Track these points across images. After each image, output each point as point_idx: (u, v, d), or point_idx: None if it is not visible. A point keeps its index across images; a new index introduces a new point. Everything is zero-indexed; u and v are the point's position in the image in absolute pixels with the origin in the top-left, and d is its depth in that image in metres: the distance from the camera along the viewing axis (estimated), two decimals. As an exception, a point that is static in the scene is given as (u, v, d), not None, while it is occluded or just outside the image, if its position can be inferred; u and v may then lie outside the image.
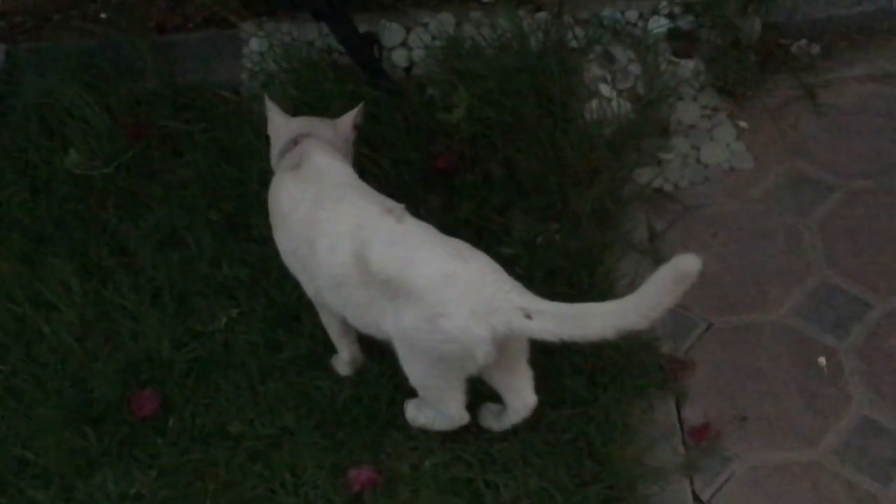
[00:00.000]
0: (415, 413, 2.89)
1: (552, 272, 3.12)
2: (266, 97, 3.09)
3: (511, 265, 3.14)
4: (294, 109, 3.28)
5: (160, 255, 3.30)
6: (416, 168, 3.38)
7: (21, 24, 4.07)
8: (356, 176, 2.92)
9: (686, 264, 2.49)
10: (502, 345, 2.63)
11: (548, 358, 2.99)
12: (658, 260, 3.23)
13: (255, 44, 3.78)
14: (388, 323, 2.69)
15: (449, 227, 3.19)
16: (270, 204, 2.94)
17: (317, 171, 2.87)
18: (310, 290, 2.89)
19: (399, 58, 3.72)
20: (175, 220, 3.38)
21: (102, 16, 4.03)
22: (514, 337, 2.63)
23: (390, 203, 2.79)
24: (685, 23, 3.71)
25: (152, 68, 3.74)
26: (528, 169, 3.30)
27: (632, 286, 3.11)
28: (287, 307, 3.14)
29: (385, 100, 3.49)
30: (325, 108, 3.40)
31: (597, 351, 2.98)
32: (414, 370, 2.74)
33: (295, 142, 2.97)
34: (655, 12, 3.73)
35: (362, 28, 3.64)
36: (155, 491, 2.89)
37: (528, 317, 2.57)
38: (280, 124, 3.05)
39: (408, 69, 3.70)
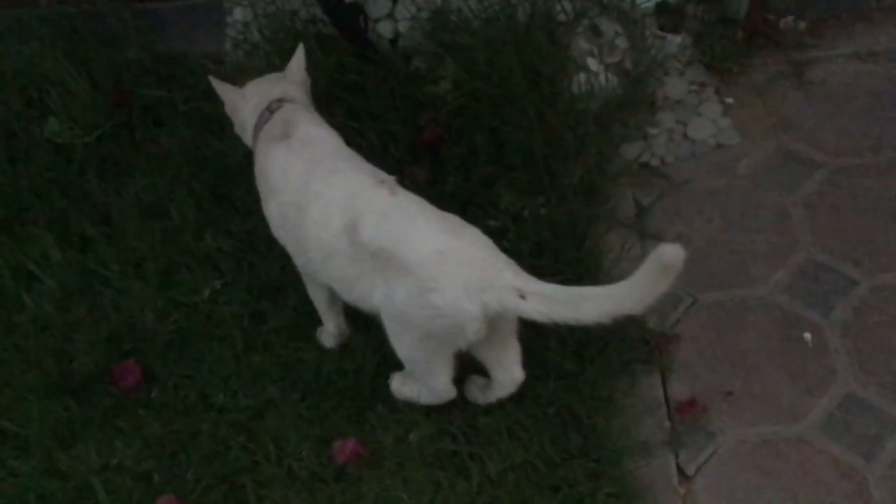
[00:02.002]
0: (400, 386, 2.88)
1: (538, 245, 3.11)
2: (210, 77, 3.01)
3: (498, 238, 3.10)
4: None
5: (143, 225, 3.27)
6: (402, 140, 3.36)
7: (0, -9, 4.00)
8: (345, 144, 2.90)
9: (669, 256, 2.46)
10: (493, 322, 2.62)
11: (533, 331, 2.97)
12: (644, 235, 3.25)
13: (238, 13, 3.74)
14: (378, 296, 2.67)
15: (435, 199, 3.16)
16: (259, 177, 2.91)
17: (307, 141, 2.84)
18: (299, 261, 2.87)
19: (385, 29, 3.68)
20: (158, 190, 3.34)
21: (82, -17, 3.98)
22: (506, 315, 2.62)
23: (382, 174, 2.77)
24: (672, -2, 3.71)
25: (134, 36, 3.69)
26: (514, 142, 3.28)
27: (618, 261, 3.13)
28: (271, 278, 3.12)
29: (371, 71, 3.45)
30: (310, 77, 3.36)
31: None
32: (402, 344, 2.73)
33: (270, 109, 2.92)
34: (643, -14, 3.72)
35: (348, -1, 3.61)
36: (138, 462, 2.87)
37: (522, 297, 2.55)
38: (237, 97, 2.98)
39: (393, 41, 3.67)
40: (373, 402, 2.93)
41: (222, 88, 2.99)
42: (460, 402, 2.90)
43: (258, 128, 2.93)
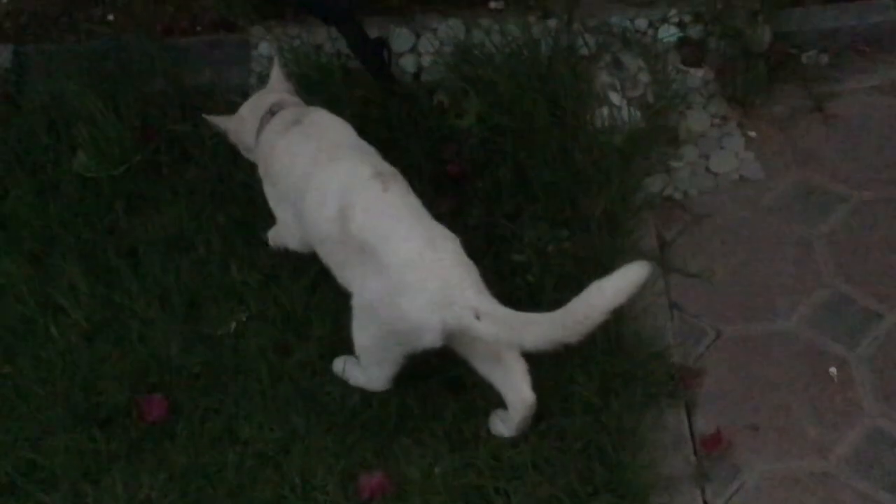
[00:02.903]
0: (342, 367, 2.98)
1: (562, 279, 3.11)
2: (204, 116, 3.22)
3: (522, 272, 3.17)
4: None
5: (169, 257, 3.29)
6: (427, 173, 3.38)
7: (27, 25, 4.05)
8: (355, 133, 3.02)
9: (634, 273, 2.59)
10: (455, 336, 2.72)
11: (559, 365, 2.99)
12: (667, 268, 3.25)
13: (264, 48, 3.78)
14: (356, 284, 2.81)
15: (459, 232, 3.20)
16: (263, 158, 3.06)
17: (318, 127, 3.01)
18: (295, 239, 3.05)
19: (408, 63, 3.72)
20: (183, 223, 3.37)
21: (109, 17, 4.02)
22: (463, 332, 2.70)
23: (383, 166, 2.89)
24: (695, 32, 3.72)
25: (160, 71, 3.73)
26: (538, 175, 3.30)
27: (641, 294, 3.12)
28: (296, 311, 3.14)
29: (395, 105, 3.48)
30: (333, 110, 3.39)
31: (608, 358, 2.98)
32: (363, 334, 2.84)
33: (271, 112, 3.07)
34: (665, 21, 3.74)
35: (372, 33, 3.64)
36: (164, 495, 2.88)
37: (477, 317, 2.64)
38: (237, 121, 3.16)
39: (416, 75, 3.70)
40: (397, 435, 2.93)
41: (219, 121, 3.19)
42: (485, 436, 2.91)
43: (260, 130, 3.07)
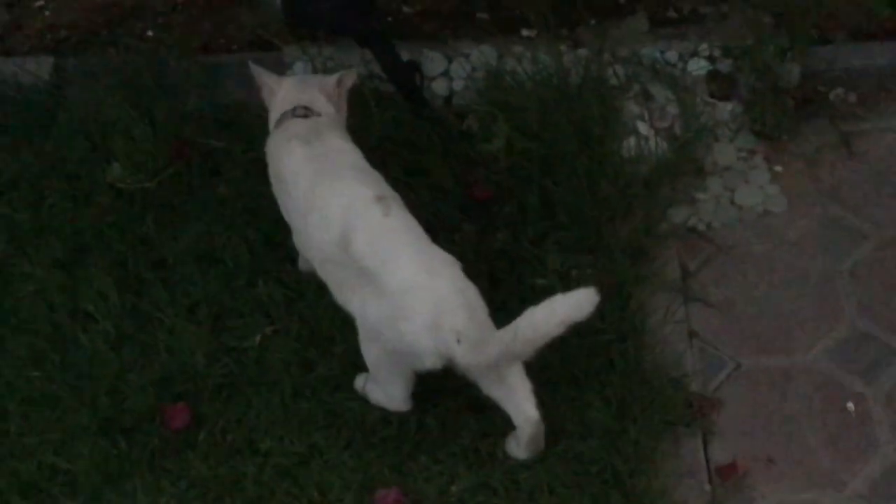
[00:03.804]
0: (363, 384, 3.03)
1: (584, 305, 3.15)
2: (251, 63, 3.26)
3: (544, 297, 3.19)
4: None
5: (197, 270, 3.34)
6: (453, 196, 3.43)
7: (67, 39, 4.13)
8: (363, 158, 3.07)
9: (586, 299, 2.66)
10: (490, 366, 2.77)
11: (577, 388, 3.03)
12: (689, 298, 3.28)
13: (298, 67, 3.83)
14: (356, 305, 2.87)
15: (483, 256, 3.26)
16: (271, 163, 3.12)
17: (325, 150, 3.04)
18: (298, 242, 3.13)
19: (440, 87, 3.77)
20: (213, 236, 3.42)
21: (149, 33, 4.10)
22: (508, 357, 2.75)
23: (384, 190, 2.94)
24: (724, 66, 3.76)
25: (196, 87, 3.79)
26: (563, 202, 3.34)
27: (662, 323, 3.17)
28: (321, 327, 3.18)
29: (424, 128, 3.53)
30: (364, 132, 3.45)
31: (626, 384, 3.01)
32: (369, 353, 2.91)
33: (295, 113, 3.12)
34: (695, 54, 3.78)
35: (405, 56, 3.70)
36: (183, 503, 2.92)
37: (458, 340, 2.70)
38: (273, 84, 3.23)
39: (447, 99, 3.75)
40: (416, 453, 2.97)
41: (261, 73, 3.24)
42: (501, 457, 2.94)
43: (279, 122, 3.14)
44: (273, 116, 3.20)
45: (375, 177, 3.04)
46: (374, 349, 2.89)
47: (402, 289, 2.76)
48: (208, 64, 3.89)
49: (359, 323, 2.89)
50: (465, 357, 2.71)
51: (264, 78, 3.24)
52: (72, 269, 3.38)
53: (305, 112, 3.14)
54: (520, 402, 2.83)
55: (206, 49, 4.01)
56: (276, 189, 3.15)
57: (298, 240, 3.11)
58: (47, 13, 4.23)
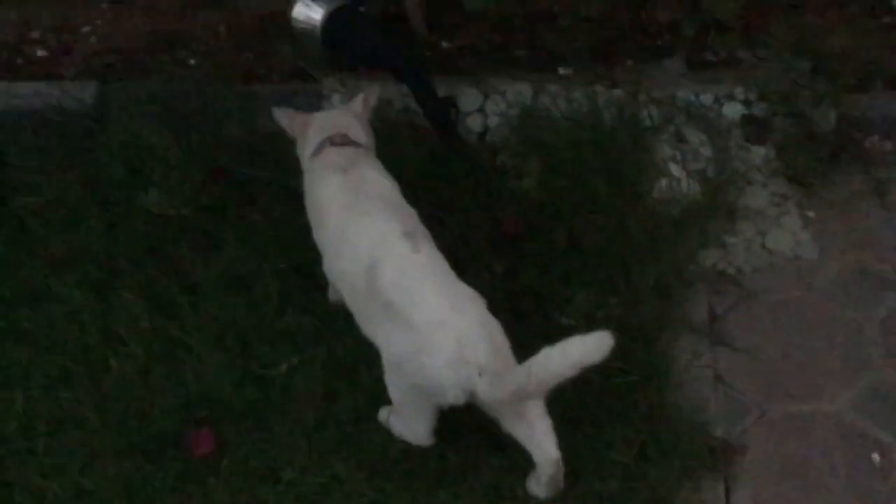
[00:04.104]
0: (386, 416, 3.05)
1: (609, 346, 3.15)
2: (274, 110, 3.32)
3: (569, 336, 3.19)
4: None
5: (227, 297, 3.38)
6: (483, 232, 3.45)
7: (114, 64, 4.21)
8: (398, 191, 3.12)
9: (600, 343, 2.67)
10: (505, 403, 2.78)
11: (599, 428, 3.02)
12: (716, 342, 3.27)
13: (336, 100, 3.88)
14: (380, 338, 2.90)
15: (511, 292, 3.27)
16: (308, 191, 3.17)
17: (360, 181, 3.09)
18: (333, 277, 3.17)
19: (475, 123, 3.80)
20: (244, 264, 3.46)
21: (191, 62, 4.16)
22: (520, 396, 2.76)
23: (415, 226, 2.98)
24: (759, 110, 3.76)
25: (235, 116, 3.85)
26: (592, 241, 3.35)
27: (688, 367, 3.16)
28: (346, 358, 3.20)
29: (457, 163, 3.56)
30: (398, 165, 3.48)
31: (648, 426, 3.01)
32: (393, 386, 2.93)
33: (332, 141, 3.17)
34: (731, 97, 3.78)
35: (442, 92, 3.73)
36: (204, 529, 2.95)
37: (480, 374, 2.72)
38: (303, 121, 3.27)
39: (482, 135, 3.78)
40: (436, 488, 2.98)
41: (288, 114, 3.29)
42: (522, 495, 2.93)
43: (316, 152, 3.17)
44: (309, 147, 3.23)
45: (407, 211, 3.07)
46: (398, 382, 2.90)
47: (426, 323, 2.78)
48: (247, 93, 3.95)
49: (383, 356, 2.91)
50: (486, 392, 2.73)
51: (294, 118, 3.28)
52: (105, 292, 3.44)
53: (343, 140, 3.18)
54: (540, 440, 2.84)
55: (246, 79, 4.07)
56: (311, 216, 3.19)
57: (328, 268, 3.14)
58: (94, 39, 4.32)
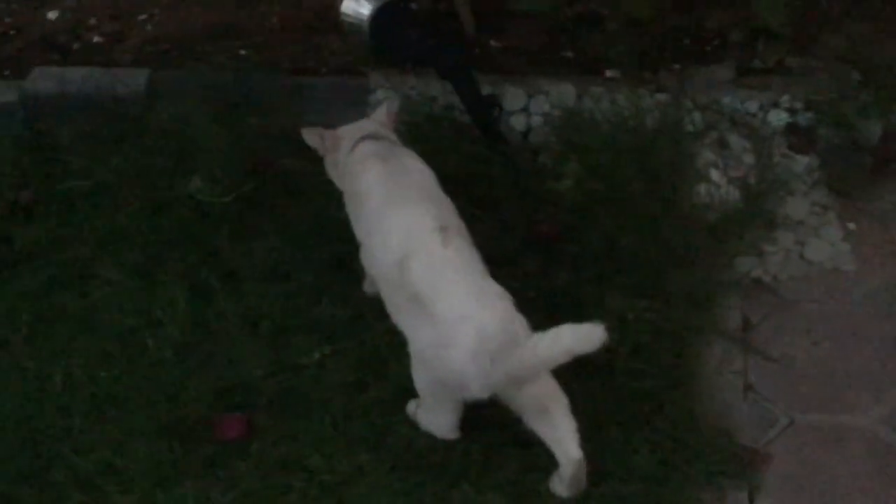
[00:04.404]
0: (414, 409, 3.07)
1: (637, 347, 3.16)
2: (303, 130, 3.33)
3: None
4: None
5: (265, 285, 3.44)
6: (519, 231, 3.47)
7: (166, 52, 4.29)
8: (436, 181, 3.16)
9: (591, 333, 2.68)
10: (501, 388, 2.81)
11: (625, 432, 3.03)
12: (748, 350, 3.26)
13: (381, 94, 3.92)
14: (408, 330, 2.93)
15: (544, 292, 3.29)
16: (347, 182, 3.23)
17: (401, 169, 3.14)
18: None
19: (518, 122, 3.82)
20: (283, 253, 3.51)
21: (242, 52, 4.23)
22: (513, 380, 2.79)
23: (451, 220, 3.01)
24: (804, 119, 3.74)
25: (282, 108, 3.90)
26: (627, 245, 3.36)
27: (717, 373, 3.15)
28: (378, 350, 3.24)
29: (497, 161, 3.58)
30: (440, 161, 3.51)
31: (674, 431, 3.01)
32: (418, 378, 2.97)
33: (367, 138, 3.23)
34: (776, 105, 3.77)
35: (486, 90, 3.76)
36: (230, 512, 3.00)
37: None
38: (336, 133, 3.30)
39: (525, 134, 3.79)
40: (459, 481, 2.99)
41: (317, 132, 3.32)
42: (544, 493, 2.95)
43: (353, 148, 3.23)
44: (343, 153, 3.28)
45: (443, 204, 3.12)
46: (423, 375, 2.95)
47: (449, 317, 2.82)
48: (295, 85, 4.00)
49: (410, 349, 2.95)
50: (479, 376, 2.76)
51: (324, 135, 3.32)
52: (146, 276, 3.50)
53: (377, 136, 3.26)
54: (564, 440, 2.85)
55: (294, 71, 4.13)
56: (350, 207, 3.25)
57: (364, 256, 3.19)
58: (150, 27, 4.40)
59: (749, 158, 3.66)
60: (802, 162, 3.67)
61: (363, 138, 3.25)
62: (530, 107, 3.83)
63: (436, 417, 3.00)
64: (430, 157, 3.54)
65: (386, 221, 3.04)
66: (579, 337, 2.69)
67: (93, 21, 4.45)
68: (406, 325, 2.96)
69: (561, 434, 2.85)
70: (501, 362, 2.75)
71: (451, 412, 2.96)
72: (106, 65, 4.21)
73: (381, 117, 3.37)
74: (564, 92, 3.81)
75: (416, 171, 3.19)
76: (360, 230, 3.18)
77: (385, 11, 3.78)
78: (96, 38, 4.38)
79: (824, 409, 3.14)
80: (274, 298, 3.40)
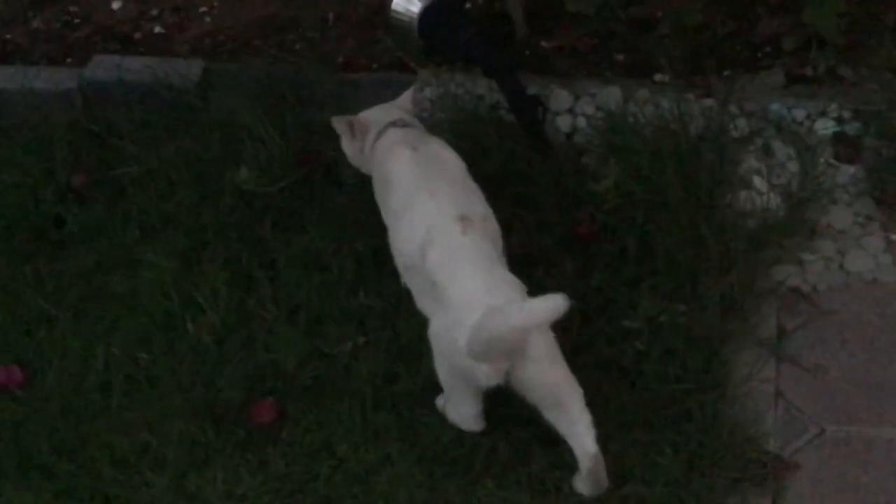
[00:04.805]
0: (442, 403, 3.11)
1: (669, 351, 3.16)
2: (332, 119, 3.39)
3: (632, 339, 3.22)
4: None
5: (304, 274, 3.50)
6: (557, 231, 3.49)
7: (223, 44, 4.37)
8: (464, 169, 3.21)
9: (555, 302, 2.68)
10: (511, 374, 2.84)
11: (650, 434, 3.03)
12: (781, 358, 3.24)
13: (429, 92, 3.95)
14: (428, 315, 3.01)
15: (578, 292, 3.30)
16: (376, 170, 3.28)
17: (430, 156, 3.20)
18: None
19: (563, 123, 3.82)
20: (324, 244, 3.57)
21: (297, 47, 4.29)
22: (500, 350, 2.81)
23: (475, 207, 3.07)
24: (852, 128, 3.69)
25: (331, 102, 3.96)
26: (663, 248, 3.35)
27: (747, 379, 3.14)
28: (410, 343, 3.28)
29: (538, 161, 3.60)
30: (481, 158, 3.55)
31: (699, 436, 3.01)
32: (437, 365, 3.03)
33: (394, 124, 3.30)
34: (824, 114, 3.72)
35: (532, 90, 3.78)
36: (259, 495, 3.05)
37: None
38: (361, 119, 3.36)
39: (569, 135, 3.80)
40: (483, 476, 3.02)
41: (346, 120, 3.38)
42: (567, 491, 2.97)
43: (379, 135, 3.29)
44: (370, 139, 3.34)
45: (471, 192, 3.17)
46: (440, 363, 3.01)
47: (459, 303, 2.87)
48: (346, 81, 4.05)
49: (429, 335, 3.01)
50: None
51: (354, 121, 3.37)
52: (190, 261, 3.59)
53: (404, 123, 3.33)
54: (580, 435, 2.88)
55: (346, 67, 4.18)
56: (378, 193, 3.31)
57: (390, 241, 3.24)
58: (208, 20, 4.49)
59: (793, 166, 3.63)
60: (847, 172, 3.63)
61: (390, 124, 3.30)
62: (577, 108, 3.84)
63: (458, 408, 3.04)
64: (473, 154, 3.58)
65: (410, 208, 3.10)
66: (548, 307, 2.71)
67: (154, 12, 4.55)
68: (427, 310, 3.03)
69: (578, 429, 2.87)
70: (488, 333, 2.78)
71: (472, 401, 3.00)
72: (164, 55, 4.31)
73: (405, 103, 3.44)
74: (611, 94, 3.81)
75: (445, 160, 3.24)
76: (388, 216, 3.24)
77: (434, 9, 3.81)
78: (157, 29, 4.49)
79: (855, 420, 3.11)
80: (312, 288, 3.46)
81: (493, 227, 3.10)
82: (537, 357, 2.85)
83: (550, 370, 2.88)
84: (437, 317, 2.96)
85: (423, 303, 3.07)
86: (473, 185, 3.19)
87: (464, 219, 3.00)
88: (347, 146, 3.41)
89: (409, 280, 3.15)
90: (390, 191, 3.22)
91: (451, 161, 3.24)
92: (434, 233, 3.00)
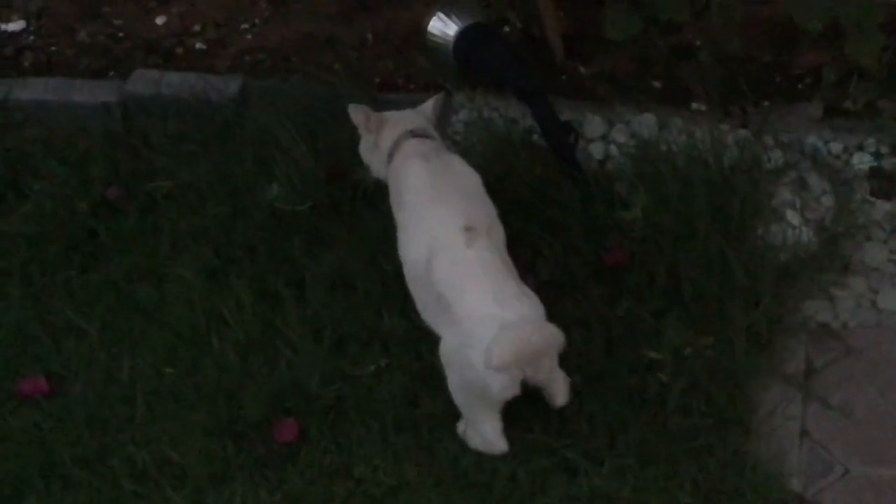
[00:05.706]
0: (463, 429, 3.09)
1: (692, 385, 3.13)
2: (350, 106, 3.42)
3: (655, 370, 3.19)
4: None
5: (330, 293, 3.50)
6: (585, 258, 3.46)
7: (262, 61, 4.40)
8: (479, 182, 3.22)
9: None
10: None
11: (670, 468, 3.01)
12: (808, 396, 3.19)
13: (463, 114, 3.95)
14: (436, 329, 3.03)
15: (604, 320, 3.28)
16: (392, 184, 3.30)
17: (444, 168, 3.21)
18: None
19: (596, 150, 3.80)
20: (351, 264, 3.57)
21: (335, 65, 4.31)
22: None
23: (483, 220, 3.07)
24: (889, 163, 3.65)
25: (364, 121, 3.96)
26: (691, 279, 3.32)
27: (771, 415, 3.10)
28: (434, 366, 3.25)
29: (569, 187, 3.58)
30: (511, 183, 3.54)
31: (722, 472, 2.97)
32: (451, 384, 3.03)
33: (414, 134, 3.31)
34: (861, 148, 3.68)
35: (565, 116, 3.76)
36: (276, 514, 3.06)
37: None
38: (383, 118, 3.38)
39: (602, 162, 3.78)
40: (500, 503, 3.01)
41: (364, 111, 3.41)
42: (584, 523, 2.95)
43: (395, 148, 3.29)
44: (385, 142, 3.36)
45: (482, 206, 3.17)
46: (452, 380, 3.00)
47: (469, 317, 2.87)
48: (381, 100, 4.05)
49: (440, 349, 3.01)
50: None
51: (371, 115, 3.40)
52: (218, 277, 3.60)
53: (423, 133, 3.34)
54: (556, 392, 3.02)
55: (382, 86, 4.19)
56: (392, 200, 3.33)
57: (399, 252, 3.25)
58: (249, 36, 4.52)
59: (828, 201, 3.58)
60: (883, 208, 3.58)
61: (410, 133, 3.31)
62: (611, 135, 3.82)
63: (478, 428, 3.02)
64: (504, 178, 3.59)
65: (420, 221, 3.11)
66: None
67: (197, 28, 4.58)
68: (432, 323, 3.04)
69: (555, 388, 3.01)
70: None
71: (490, 419, 2.98)
72: (204, 71, 4.34)
73: (428, 110, 3.44)
74: (645, 121, 3.79)
75: (460, 172, 3.25)
76: (398, 225, 3.26)
77: (470, 32, 3.82)
78: (198, 45, 4.52)
79: (882, 461, 3.06)
80: (337, 307, 3.46)
81: (499, 234, 3.11)
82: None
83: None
84: (447, 334, 2.96)
85: (428, 316, 3.08)
86: (487, 200, 3.20)
87: (468, 230, 3.01)
88: (362, 141, 3.44)
89: (416, 292, 3.14)
90: (401, 201, 3.23)
91: (465, 174, 3.25)
92: (440, 245, 3.01)
